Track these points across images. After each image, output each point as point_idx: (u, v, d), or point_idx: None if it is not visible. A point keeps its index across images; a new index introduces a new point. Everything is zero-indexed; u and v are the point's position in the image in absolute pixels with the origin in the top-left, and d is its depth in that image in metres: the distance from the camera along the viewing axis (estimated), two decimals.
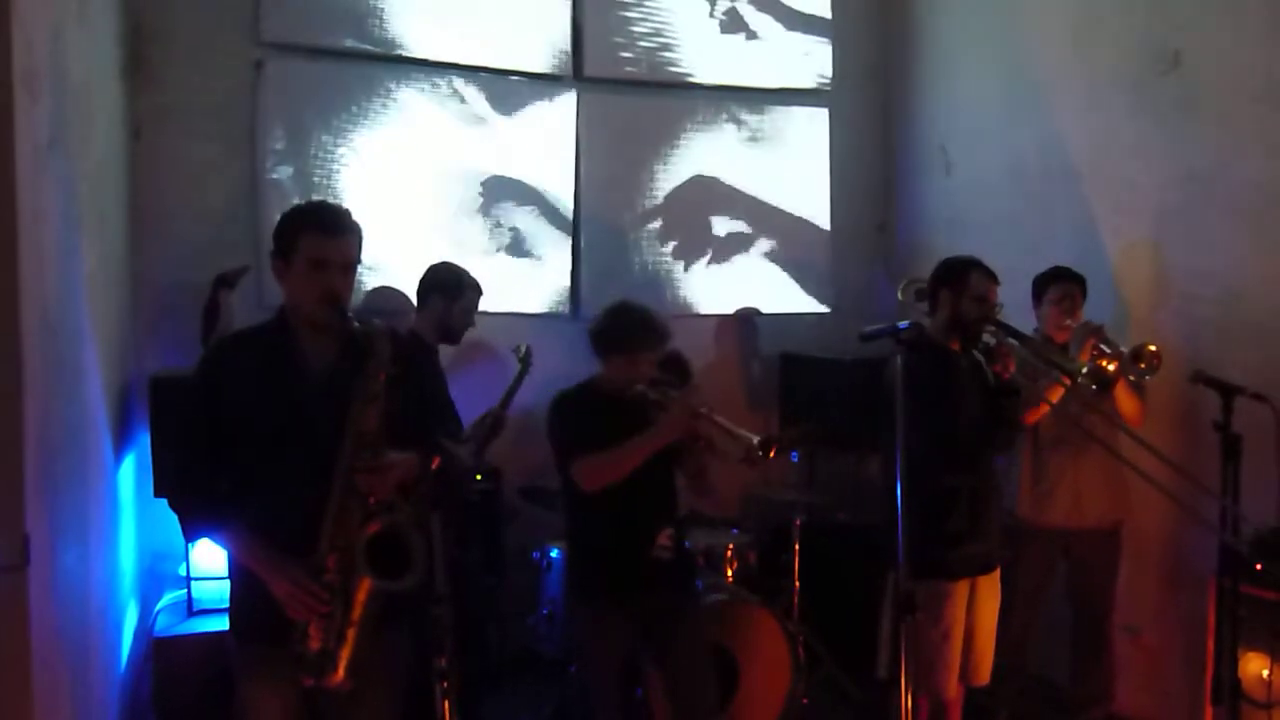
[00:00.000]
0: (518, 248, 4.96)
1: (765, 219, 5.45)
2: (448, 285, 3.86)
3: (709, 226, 5.34)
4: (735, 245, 5.39)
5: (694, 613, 3.28)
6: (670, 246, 5.27)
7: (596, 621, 3.11)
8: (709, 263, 5.32)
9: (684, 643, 3.14)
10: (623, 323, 3.12)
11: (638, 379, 3.06)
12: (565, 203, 5.05)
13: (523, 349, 4.28)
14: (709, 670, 3.23)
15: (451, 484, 3.75)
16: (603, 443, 2.97)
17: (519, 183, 4.96)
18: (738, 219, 5.40)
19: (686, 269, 5.29)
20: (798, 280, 5.53)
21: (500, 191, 4.93)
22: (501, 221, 4.94)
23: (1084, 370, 3.38)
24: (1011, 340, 3.38)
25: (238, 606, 2.45)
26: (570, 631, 3.31)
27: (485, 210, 4.91)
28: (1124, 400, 3.74)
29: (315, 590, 2.21)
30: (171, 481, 2.53)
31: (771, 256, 5.46)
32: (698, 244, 5.31)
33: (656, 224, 5.24)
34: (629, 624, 3.09)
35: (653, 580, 3.10)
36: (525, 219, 4.98)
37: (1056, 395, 3.55)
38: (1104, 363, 3.48)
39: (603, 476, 2.97)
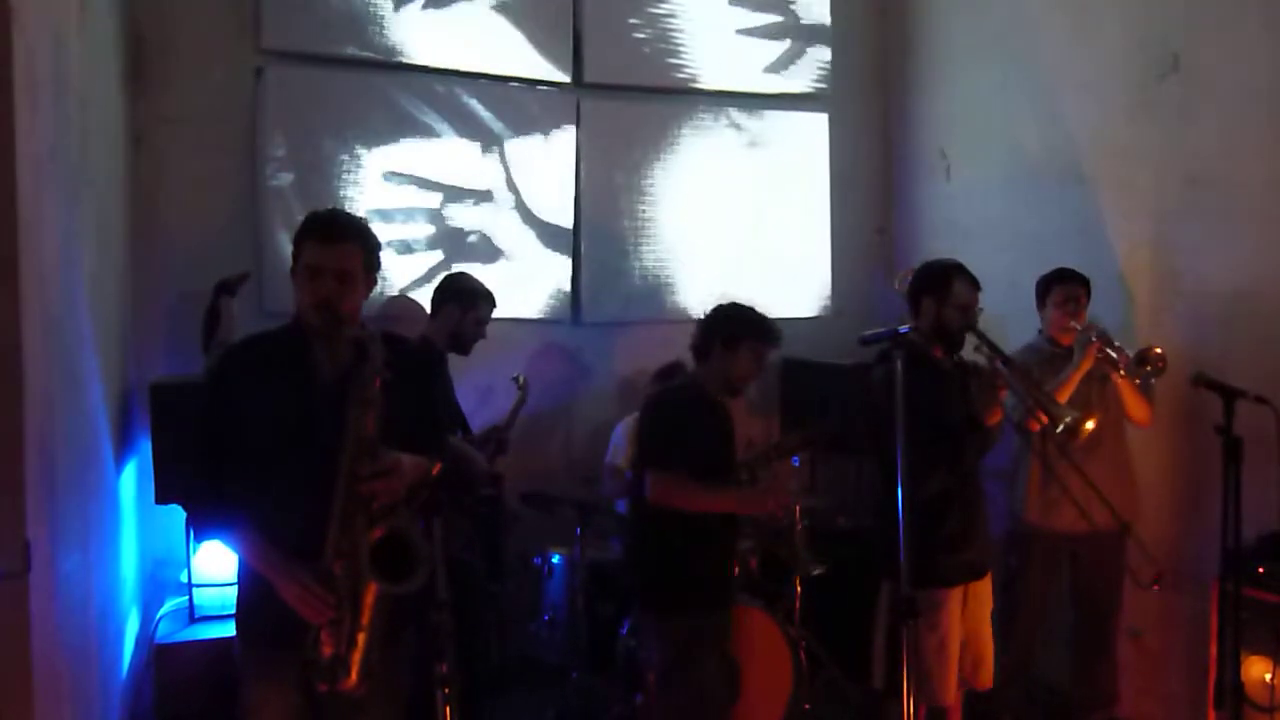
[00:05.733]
0: (518, 253, 4.97)
1: (765, 223, 5.45)
2: (463, 295, 3.94)
3: (709, 231, 5.34)
4: (735, 250, 5.39)
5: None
6: (670, 251, 5.28)
7: (695, 636, 3.19)
8: (709, 268, 5.32)
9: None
10: (751, 312, 3.28)
11: (752, 373, 3.25)
12: (566, 208, 5.05)
13: (521, 379, 4.34)
14: None
15: (465, 486, 3.78)
16: (695, 454, 3.09)
17: (519, 188, 4.97)
18: (738, 224, 5.41)
19: (687, 274, 5.29)
20: (798, 285, 5.53)
21: (500, 197, 4.94)
22: (501, 227, 4.94)
23: (1067, 420, 3.34)
24: (992, 353, 3.37)
25: (245, 610, 2.46)
26: (659, 650, 3.27)
27: (485, 216, 4.91)
28: (1132, 403, 3.74)
29: (324, 594, 2.23)
30: (184, 482, 2.54)
31: (771, 261, 5.46)
32: (698, 249, 5.32)
33: (657, 229, 5.25)
34: (710, 641, 3.24)
35: (728, 597, 3.35)
36: (525, 224, 4.99)
37: (1035, 426, 3.54)
38: (1081, 423, 3.47)
39: (671, 501, 3.09)
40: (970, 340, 3.37)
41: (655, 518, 3.15)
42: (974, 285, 3.36)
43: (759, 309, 3.32)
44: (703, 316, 3.35)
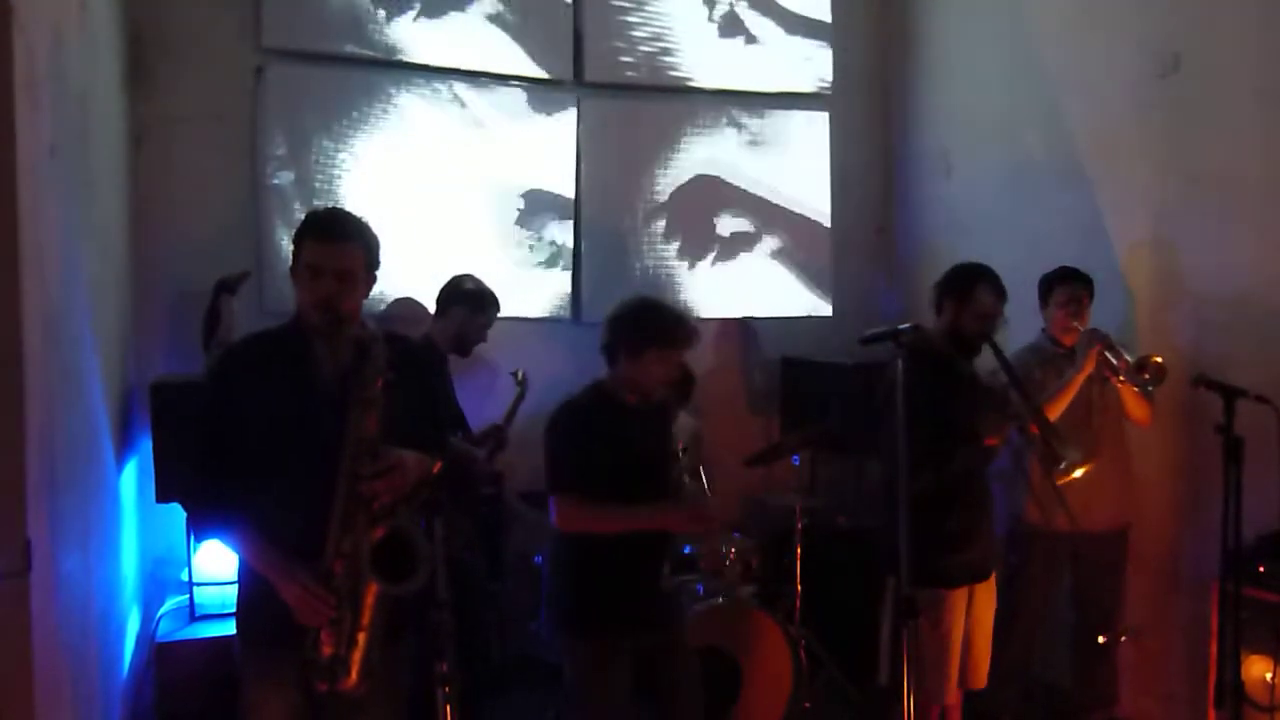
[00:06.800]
0: (518, 252, 4.96)
1: (766, 223, 5.45)
2: (471, 298, 3.96)
3: (709, 231, 5.34)
4: (736, 249, 5.39)
5: (686, 647, 3.14)
6: (671, 251, 5.27)
7: (600, 658, 2.92)
8: (710, 267, 5.33)
9: (686, 680, 3.05)
10: (657, 315, 2.95)
11: (662, 378, 2.96)
12: (566, 207, 5.05)
13: (520, 374, 4.34)
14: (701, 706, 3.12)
15: (468, 485, 3.78)
16: (600, 469, 2.85)
17: (519, 188, 4.97)
18: (738, 223, 5.40)
19: (687, 274, 5.29)
20: (799, 284, 5.53)
21: (500, 196, 4.93)
22: (501, 226, 4.94)
23: (1065, 462, 3.33)
24: (1010, 379, 3.37)
25: (245, 609, 2.45)
26: (568, 670, 3.01)
27: (485, 215, 4.91)
28: (1132, 403, 3.73)
29: (324, 595, 2.23)
30: (184, 481, 2.54)
31: (772, 260, 5.46)
32: (698, 248, 5.32)
33: (657, 228, 5.24)
34: (629, 660, 2.93)
35: (655, 613, 3.00)
36: (525, 224, 4.99)
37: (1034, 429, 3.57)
38: (1078, 465, 3.37)
39: (579, 526, 2.89)
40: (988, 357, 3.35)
41: (561, 535, 2.96)
42: (998, 295, 3.30)
43: (669, 306, 3.03)
44: (608, 316, 3.01)
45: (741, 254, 5.40)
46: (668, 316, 2.97)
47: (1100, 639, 3.92)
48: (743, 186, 5.40)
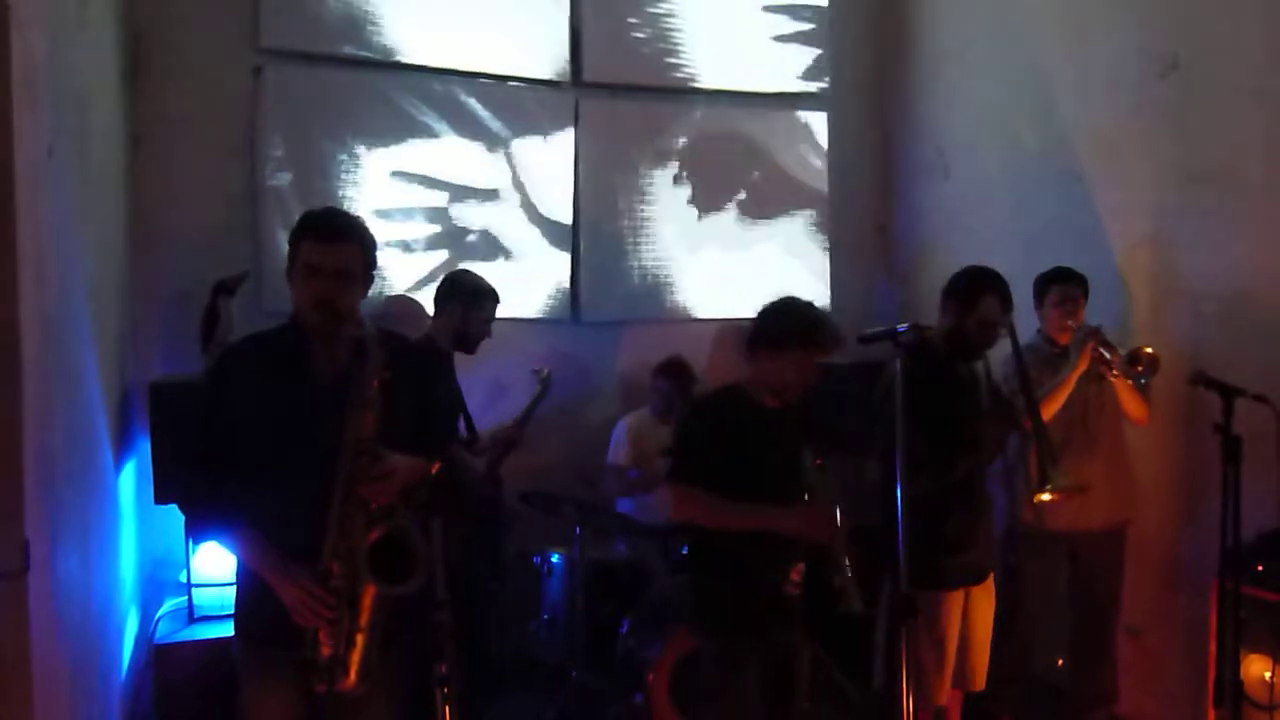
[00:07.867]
0: (517, 252, 4.96)
1: (764, 223, 5.45)
2: (468, 293, 3.92)
3: (709, 231, 5.34)
4: (735, 249, 5.39)
5: (810, 651, 3.09)
6: (670, 251, 5.27)
7: (730, 658, 2.88)
8: (708, 267, 5.32)
9: (801, 689, 3.01)
10: (800, 315, 2.94)
11: (798, 380, 2.91)
12: (564, 207, 5.05)
13: (544, 372, 4.32)
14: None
15: (460, 489, 3.77)
16: (725, 466, 2.80)
17: (518, 187, 4.97)
18: (738, 223, 5.41)
19: (686, 273, 5.29)
20: (797, 284, 5.52)
21: (500, 196, 4.93)
22: (501, 226, 4.94)
23: (1050, 486, 3.36)
24: (1023, 390, 3.38)
25: (243, 609, 2.45)
26: (701, 670, 2.96)
27: (483, 215, 4.91)
28: (1128, 401, 3.73)
29: (322, 596, 2.23)
30: (181, 482, 2.54)
31: (771, 260, 5.45)
32: (698, 249, 5.31)
33: (655, 228, 5.24)
34: (754, 662, 2.90)
35: (780, 617, 2.94)
36: (524, 223, 4.99)
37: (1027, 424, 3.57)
38: (1066, 491, 3.41)
39: (691, 516, 2.86)
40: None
41: (687, 532, 2.93)
42: (1004, 305, 3.27)
43: (815, 307, 3.00)
44: (756, 313, 3.01)
45: (741, 254, 5.39)
46: (811, 317, 2.95)
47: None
48: (741, 187, 5.40)
